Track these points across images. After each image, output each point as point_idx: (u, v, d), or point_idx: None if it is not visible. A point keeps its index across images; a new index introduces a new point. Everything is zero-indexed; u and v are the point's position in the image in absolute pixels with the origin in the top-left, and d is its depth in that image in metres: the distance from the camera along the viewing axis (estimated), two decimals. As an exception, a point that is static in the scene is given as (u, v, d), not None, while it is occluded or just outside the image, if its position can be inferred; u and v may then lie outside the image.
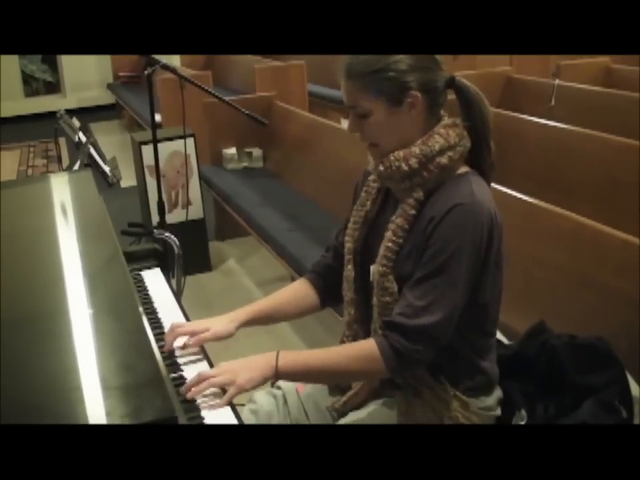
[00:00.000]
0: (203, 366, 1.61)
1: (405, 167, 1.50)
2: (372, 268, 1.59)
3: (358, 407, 1.65)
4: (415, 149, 1.50)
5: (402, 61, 1.47)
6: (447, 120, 1.55)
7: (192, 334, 1.65)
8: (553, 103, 4.39)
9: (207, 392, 1.47)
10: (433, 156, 1.50)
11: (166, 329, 1.76)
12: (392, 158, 1.51)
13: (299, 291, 1.76)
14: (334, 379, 1.64)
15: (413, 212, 1.52)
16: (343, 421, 1.63)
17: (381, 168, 1.54)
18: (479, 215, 1.47)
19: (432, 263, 1.47)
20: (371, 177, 1.66)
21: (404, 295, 1.50)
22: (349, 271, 1.66)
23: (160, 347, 1.65)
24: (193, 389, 1.47)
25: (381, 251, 1.55)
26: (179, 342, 1.65)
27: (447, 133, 1.51)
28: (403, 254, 1.53)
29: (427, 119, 1.53)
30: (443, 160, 1.50)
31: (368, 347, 1.50)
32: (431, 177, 1.51)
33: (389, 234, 1.54)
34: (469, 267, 1.47)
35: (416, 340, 1.46)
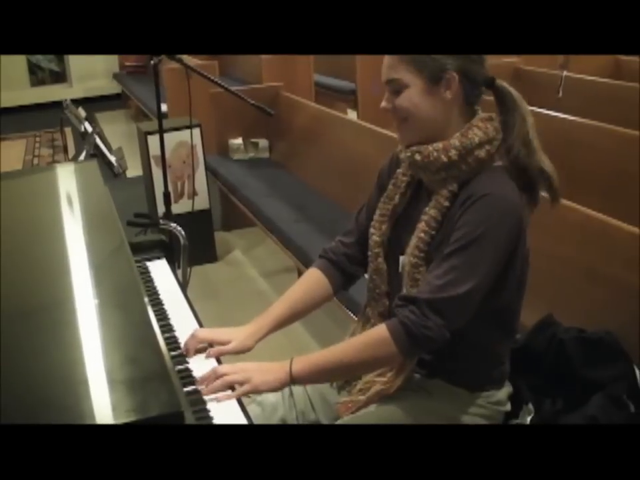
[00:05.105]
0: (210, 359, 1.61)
1: (444, 158, 1.50)
2: (401, 259, 1.59)
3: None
4: (455, 141, 1.50)
5: None
6: (483, 114, 1.54)
7: (212, 342, 1.64)
8: (560, 94, 4.36)
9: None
10: (472, 149, 1.49)
11: (172, 320, 1.76)
12: (430, 148, 1.51)
13: (311, 284, 1.74)
14: (350, 373, 1.62)
15: (447, 204, 1.52)
16: (348, 418, 1.62)
17: (418, 157, 1.53)
18: (506, 206, 1.47)
19: (454, 245, 1.46)
20: (400, 170, 1.65)
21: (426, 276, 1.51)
22: (380, 264, 1.65)
23: (169, 342, 1.65)
24: (206, 386, 1.47)
25: (413, 242, 1.54)
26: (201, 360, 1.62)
27: (486, 127, 1.51)
28: (434, 245, 1.52)
29: (463, 109, 1.53)
30: (482, 153, 1.50)
31: (378, 331, 1.50)
32: (467, 169, 1.51)
33: (421, 225, 1.54)
34: (491, 255, 1.45)
35: (425, 315, 1.43)
